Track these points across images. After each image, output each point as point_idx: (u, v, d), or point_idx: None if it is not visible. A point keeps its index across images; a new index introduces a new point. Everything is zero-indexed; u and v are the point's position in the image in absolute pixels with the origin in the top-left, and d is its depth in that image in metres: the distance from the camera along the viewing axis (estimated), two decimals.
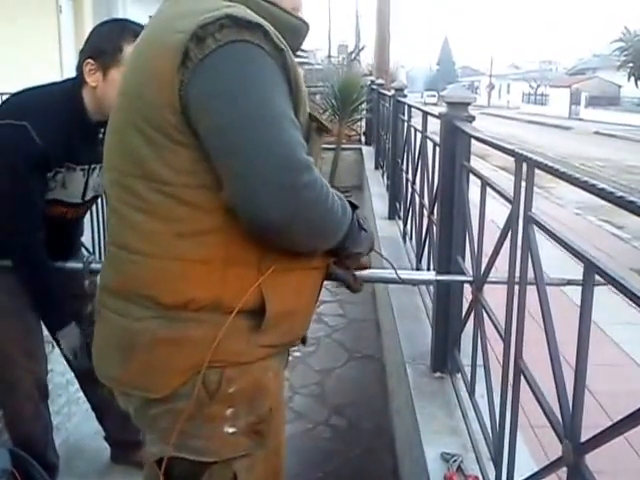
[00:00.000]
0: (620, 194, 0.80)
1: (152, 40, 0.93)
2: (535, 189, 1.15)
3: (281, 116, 0.85)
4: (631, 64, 25.89)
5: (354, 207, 1.00)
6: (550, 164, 1.04)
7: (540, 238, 1.11)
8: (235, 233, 0.88)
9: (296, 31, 0.99)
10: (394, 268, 1.27)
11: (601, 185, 0.85)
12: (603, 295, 0.92)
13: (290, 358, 3.53)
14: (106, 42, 1.55)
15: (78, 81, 1.59)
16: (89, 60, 1.56)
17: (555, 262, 1.37)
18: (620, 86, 33.24)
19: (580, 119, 31.32)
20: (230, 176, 0.84)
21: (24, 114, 1.51)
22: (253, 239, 0.89)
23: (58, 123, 1.53)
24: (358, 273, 1.19)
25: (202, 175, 0.87)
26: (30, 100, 1.58)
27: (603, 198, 0.85)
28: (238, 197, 0.84)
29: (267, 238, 0.89)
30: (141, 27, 1.64)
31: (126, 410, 1.01)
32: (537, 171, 1.12)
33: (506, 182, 1.34)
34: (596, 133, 22.03)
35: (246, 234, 0.88)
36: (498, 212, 1.55)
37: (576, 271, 1.12)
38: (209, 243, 0.88)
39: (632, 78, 26.14)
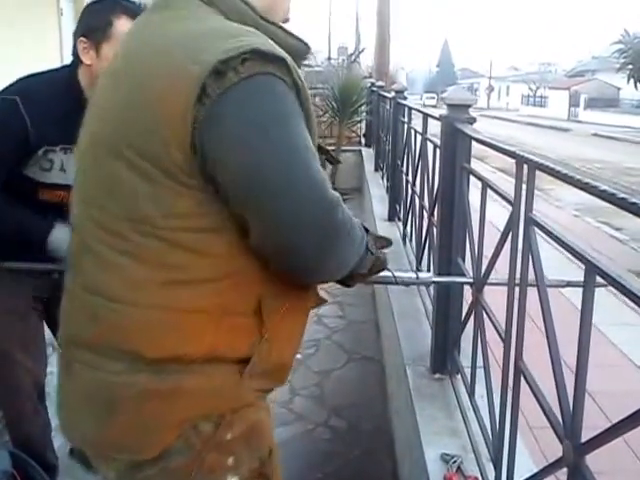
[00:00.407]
0: (622, 196, 0.80)
1: (154, 64, 0.82)
2: (534, 191, 1.16)
3: (309, 151, 0.80)
4: (630, 66, 25.97)
5: (366, 230, 0.97)
6: (551, 166, 1.04)
7: (539, 240, 1.12)
8: (233, 280, 0.82)
9: (298, 54, 0.92)
10: (390, 270, 1.26)
11: (603, 187, 0.85)
12: (601, 296, 0.92)
13: None
14: (96, 19, 1.57)
15: (74, 62, 1.61)
16: (82, 39, 1.58)
17: (553, 263, 1.37)
18: (619, 88, 33.36)
19: (579, 121, 31.45)
20: (262, 220, 0.78)
21: (19, 91, 1.54)
22: (251, 285, 0.83)
23: (53, 103, 1.54)
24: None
25: (207, 218, 0.79)
26: (29, 82, 1.61)
27: (605, 200, 0.85)
28: (272, 241, 0.78)
29: (294, 278, 0.85)
30: (132, 4, 1.65)
31: (105, 478, 0.91)
32: (537, 173, 1.12)
33: (505, 184, 1.34)
34: (595, 135, 22.09)
35: (244, 281, 0.82)
36: (497, 214, 1.55)
37: (574, 273, 1.12)
38: (205, 292, 0.80)
39: (631, 80, 26.22)
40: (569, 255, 0.97)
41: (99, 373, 0.82)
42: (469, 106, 1.85)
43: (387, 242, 1.06)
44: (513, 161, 1.21)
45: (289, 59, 0.82)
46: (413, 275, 1.46)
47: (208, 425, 0.83)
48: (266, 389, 0.92)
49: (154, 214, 0.78)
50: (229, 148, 0.77)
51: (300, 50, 0.94)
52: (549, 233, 1.05)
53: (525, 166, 1.15)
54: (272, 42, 0.83)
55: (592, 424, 0.88)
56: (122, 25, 1.56)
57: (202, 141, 0.77)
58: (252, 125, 0.77)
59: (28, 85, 1.59)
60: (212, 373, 0.82)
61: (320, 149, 0.91)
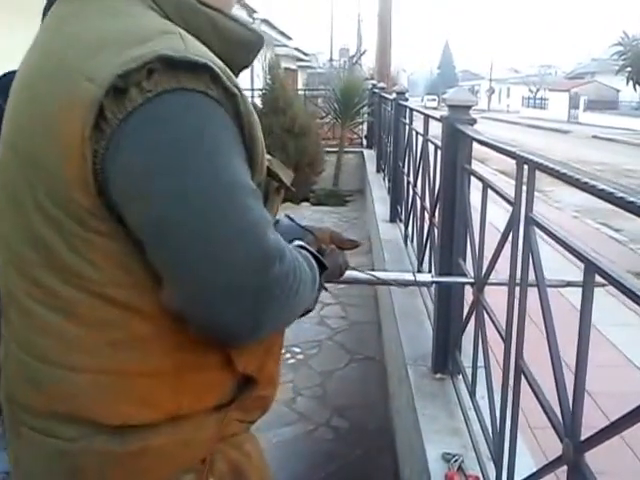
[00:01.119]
0: (620, 195, 0.80)
1: (49, 78, 0.66)
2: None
3: (241, 189, 0.64)
4: (629, 68, 26.03)
5: (322, 266, 0.81)
6: (551, 166, 1.05)
7: (539, 242, 1.13)
8: (183, 337, 0.68)
9: (249, 46, 0.77)
10: (372, 275, 1.24)
11: (601, 186, 0.86)
12: (600, 297, 0.93)
13: (293, 361, 3.55)
14: None
15: None
16: None
17: (553, 265, 1.38)
18: (618, 90, 33.45)
19: (579, 123, 31.56)
20: (174, 276, 0.64)
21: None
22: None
23: None
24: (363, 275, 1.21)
25: (136, 272, 0.66)
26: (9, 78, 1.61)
27: (603, 199, 0.85)
28: (186, 304, 0.64)
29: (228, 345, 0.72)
30: None
31: None
32: (537, 175, 1.13)
33: (505, 185, 1.35)
34: (594, 137, 22.15)
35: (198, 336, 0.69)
36: (497, 216, 1.56)
37: (574, 274, 1.13)
38: (151, 352, 0.68)
39: (630, 82, 26.29)
40: (569, 257, 0.98)
41: (51, 440, 0.70)
42: (470, 107, 1.86)
43: (354, 244, 0.96)
44: (513, 163, 1.22)
45: (214, 64, 0.64)
46: (418, 276, 1.48)
47: (189, 477, 0.73)
48: (253, 419, 0.82)
49: (78, 266, 0.65)
50: (131, 191, 0.62)
51: (249, 41, 0.76)
52: (549, 233, 1.06)
53: (525, 166, 1.16)
54: (195, 42, 0.66)
55: (592, 424, 0.88)
56: None
57: (106, 179, 0.62)
58: (162, 160, 0.61)
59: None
60: (181, 428, 0.71)
61: (270, 174, 0.77)
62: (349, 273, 1.41)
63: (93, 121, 0.61)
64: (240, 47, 0.75)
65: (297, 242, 0.83)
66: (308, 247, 0.81)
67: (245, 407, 0.77)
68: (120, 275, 0.66)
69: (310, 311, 0.84)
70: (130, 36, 0.64)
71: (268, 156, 0.78)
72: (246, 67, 0.78)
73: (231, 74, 0.67)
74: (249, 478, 0.79)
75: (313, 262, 0.78)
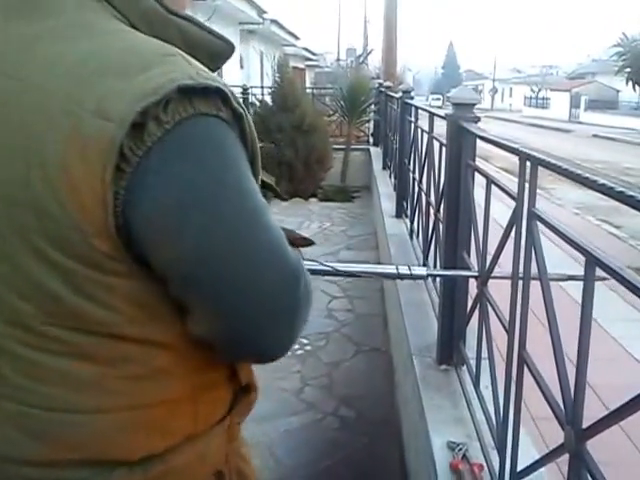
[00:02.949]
0: (620, 189, 0.82)
1: (31, 111, 0.58)
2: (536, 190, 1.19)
3: (263, 209, 0.63)
4: (629, 69, 25.98)
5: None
6: (553, 161, 1.08)
7: (541, 237, 1.15)
8: (202, 358, 0.68)
9: (217, 55, 0.73)
10: (365, 271, 1.25)
11: (601, 181, 0.88)
12: (601, 292, 0.95)
13: (301, 352, 3.60)
14: None
15: None
16: None
17: (555, 261, 1.41)
18: (618, 90, 33.35)
19: (580, 122, 31.59)
20: (211, 308, 0.63)
21: None
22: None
23: None
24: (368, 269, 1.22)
25: (153, 306, 0.64)
26: None
27: (604, 194, 0.87)
28: (225, 333, 0.64)
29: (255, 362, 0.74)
30: None
31: None
32: (538, 173, 1.15)
33: (509, 183, 1.38)
34: (595, 136, 22.12)
35: (212, 357, 0.69)
36: (500, 212, 1.59)
37: (575, 269, 1.16)
38: (170, 381, 0.67)
39: (630, 82, 26.24)
40: (570, 252, 1.00)
41: None
42: (474, 105, 1.88)
43: (306, 242, 0.94)
44: (516, 161, 1.24)
45: (224, 86, 0.62)
46: (422, 269, 1.52)
47: None
48: (240, 422, 0.81)
49: (88, 311, 0.61)
50: (163, 227, 0.59)
51: (222, 50, 0.74)
52: (551, 227, 1.08)
53: (528, 163, 1.18)
54: (193, 61, 0.63)
55: (593, 415, 0.90)
56: None
57: (127, 221, 0.58)
58: (189, 192, 0.58)
59: None
60: (196, 445, 0.70)
61: (264, 186, 0.75)
62: (352, 268, 1.45)
63: (115, 163, 0.56)
64: (209, 56, 0.71)
65: None
66: None
67: (241, 411, 0.78)
68: (138, 313, 0.63)
69: None
70: (130, 60, 0.59)
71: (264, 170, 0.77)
72: (215, 72, 0.73)
73: (234, 93, 0.64)
74: (248, 476, 0.81)
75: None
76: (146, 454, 0.66)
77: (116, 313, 0.62)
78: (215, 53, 0.73)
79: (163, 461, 0.67)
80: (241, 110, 0.64)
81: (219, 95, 0.61)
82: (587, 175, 0.93)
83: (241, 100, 0.65)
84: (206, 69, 0.63)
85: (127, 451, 0.65)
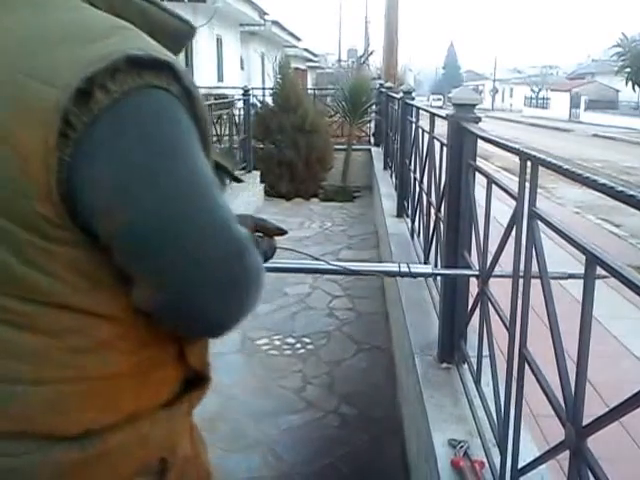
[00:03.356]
0: (620, 188, 0.83)
1: None
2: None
3: (211, 185, 0.64)
4: (628, 69, 26.12)
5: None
6: (553, 161, 1.09)
7: (541, 237, 1.16)
8: (148, 333, 0.68)
9: (178, 35, 0.75)
10: (371, 269, 1.28)
11: (602, 180, 0.89)
12: (601, 290, 0.95)
13: (303, 351, 3.61)
14: None
15: None
16: None
17: (555, 259, 1.41)
18: (618, 90, 33.46)
19: (580, 122, 31.75)
20: (157, 280, 0.63)
21: None
22: (169, 334, 0.70)
23: None
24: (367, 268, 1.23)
25: (98, 277, 0.63)
26: None
27: (604, 193, 0.88)
28: (168, 305, 0.64)
29: (203, 336, 0.73)
30: None
31: None
32: (539, 172, 1.16)
33: (509, 182, 1.39)
34: (595, 135, 22.22)
35: (158, 332, 0.68)
36: (501, 212, 1.60)
37: (575, 268, 1.17)
38: (116, 353, 0.66)
39: (630, 82, 26.38)
40: (570, 252, 1.01)
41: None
42: (474, 105, 1.89)
43: (280, 232, 0.95)
44: (515, 161, 1.25)
45: (175, 61, 0.63)
46: (425, 268, 1.53)
47: (149, 477, 0.71)
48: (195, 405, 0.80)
49: (32, 278, 0.61)
50: (109, 195, 0.59)
51: (182, 32, 0.75)
52: (551, 226, 1.09)
53: (529, 162, 1.19)
54: (146, 37, 0.64)
55: (593, 413, 0.91)
56: None
57: (73, 187, 0.59)
58: (135, 162, 0.59)
59: None
60: (138, 425, 0.69)
61: (218, 166, 0.75)
62: (357, 267, 1.46)
63: (58, 128, 0.56)
64: (170, 38, 0.71)
65: None
66: None
67: (192, 400, 0.77)
68: (82, 282, 0.62)
69: None
70: (82, 32, 0.60)
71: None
72: (177, 54, 0.73)
73: (188, 72, 0.65)
74: (197, 466, 0.80)
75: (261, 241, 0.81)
76: (85, 429, 0.65)
77: (60, 282, 0.62)
78: (176, 34, 0.73)
79: (102, 439, 0.66)
80: (192, 89, 0.64)
81: (170, 70, 0.62)
82: (588, 175, 0.94)
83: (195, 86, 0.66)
84: (159, 45, 0.63)
85: (67, 425, 0.64)
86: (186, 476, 0.77)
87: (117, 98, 0.58)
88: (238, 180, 0.87)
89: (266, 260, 0.91)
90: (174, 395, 0.74)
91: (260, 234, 0.92)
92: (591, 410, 0.95)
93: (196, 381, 0.77)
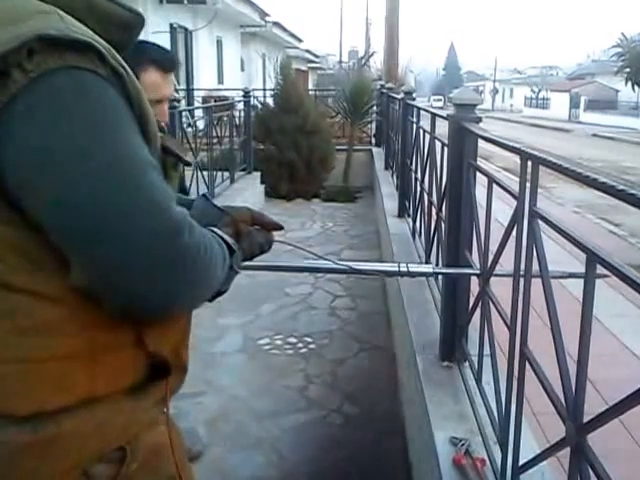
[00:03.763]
0: (621, 187, 0.83)
1: None
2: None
3: (142, 164, 0.63)
4: (628, 69, 26.17)
5: (230, 248, 0.81)
6: (554, 160, 1.09)
7: (542, 236, 1.17)
8: (97, 316, 0.66)
9: (127, 26, 0.74)
10: (375, 269, 1.28)
11: (602, 179, 0.89)
12: (601, 289, 0.96)
13: (305, 350, 3.63)
14: None
15: None
16: None
17: (555, 258, 1.42)
18: (618, 90, 33.49)
19: (580, 122, 31.80)
20: (83, 257, 0.62)
21: None
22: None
23: None
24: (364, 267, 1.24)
25: (36, 256, 0.63)
26: None
27: (605, 192, 0.88)
28: (100, 285, 0.63)
29: (144, 319, 0.71)
30: (163, 52, 1.50)
31: None
32: (540, 172, 1.17)
33: (509, 182, 1.40)
34: (595, 135, 22.24)
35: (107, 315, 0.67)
36: (501, 212, 1.61)
37: (576, 267, 1.18)
38: (63, 334, 0.65)
39: (629, 83, 26.41)
40: (570, 251, 1.01)
41: None
42: (475, 106, 1.90)
43: (277, 226, 0.96)
44: (516, 161, 1.26)
45: (98, 43, 0.63)
46: (427, 267, 1.55)
47: (103, 466, 0.70)
48: (169, 396, 0.79)
49: None
50: (32, 177, 0.60)
51: (126, 21, 0.73)
52: (552, 225, 1.10)
53: (529, 162, 1.20)
54: (74, 21, 0.64)
55: (593, 411, 0.92)
56: (149, 78, 1.48)
57: None
58: (60, 144, 0.59)
59: None
60: (95, 412, 0.68)
61: (166, 151, 0.76)
62: (362, 267, 1.47)
63: None
64: (117, 28, 0.72)
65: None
66: (216, 230, 0.80)
67: (164, 393, 0.76)
68: (20, 261, 0.63)
69: (223, 292, 0.83)
70: (6, 16, 0.61)
71: (160, 133, 0.77)
72: (125, 47, 0.73)
73: (116, 53, 0.65)
74: (169, 465, 0.78)
75: (221, 241, 0.78)
76: (36, 410, 0.64)
77: None
78: (124, 24, 0.73)
79: (55, 422, 0.65)
80: (121, 70, 0.65)
81: (93, 51, 0.62)
82: (588, 174, 0.95)
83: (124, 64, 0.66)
84: (82, 27, 0.64)
85: (15, 405, 0.64)
86: (154, 468, 0.76)
87: (34, 78, 0.59)
88: (187, 164, 0.87)
89: (262, 253, 0.92)
90: (138, 383, 0.72)
91: (257, 227, 0.92)
92: (591, 409, 0.95)
93: (166, 370, 0.75)
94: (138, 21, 0.75)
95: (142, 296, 0.64)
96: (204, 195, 0.97)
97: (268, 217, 0.94)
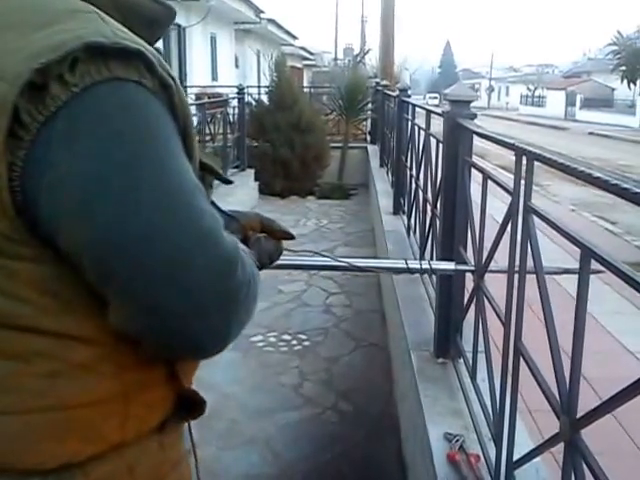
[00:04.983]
0: (615, 182, 0.84)
1: None
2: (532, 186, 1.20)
3: (193, 192, 0.56)
4: (624, 67, 26.31)
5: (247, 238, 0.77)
6: (548, 156, 1.10)
7: (536, 233, 1.17)
8: (132, 353, 0.60)
9: (154, 22, 0.66)
10: (373, 265, 1.31)
11: (597, 174, 0.89)
12: (595, 287, 0.96)
13: (299, 348, 3.62)
14: None
15: None
16: None
17: (550, 255, 1.42)
18: (614, 89, 33.67)
19: (575, 120, 31.90)
20: (132, 299, 0.54)
21: None
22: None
23: None
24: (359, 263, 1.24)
25: (67, 296, 0.56)
26: None
27: (599, 187, 0.88)
28: (150, 326, 0.56)
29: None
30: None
31: None
32: (535, 170, 1.17)
33: (505, 179, 1.40)
34: (590, 134, 22.35)
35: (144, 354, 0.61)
36: (496, 207, 1.61)
37: (571, 263, 1.18)
38: (97, 377, 0.59)
39: (625, 81, 26.55)
40: (565, 247, 1.01)
41: None
42: (470, 102, 1.91)
43: (287, 235, 0.90)
44: (511, 159, 1.26)
45: (147, 49, 0.55)
46: (420, 263, 1.54)
47: None
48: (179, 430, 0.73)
49: None
50: (69, 207, 0.52)
51: (160, 16, 0.66)
52: (547, 220, 1.10)
53: (524, 157, 1.20)
54: (111, 21, 0.56)
55: (587, 407, 0.92)
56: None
57: (27, 197, 0.52)
58: (105, 172, 0.51)
59: None
60: (125, 454, 0.63)
61: (204, 168, 0.68)
62: (360, 263, 1.47)
63: (7, 128, 0.49)
64: (145, 23, 0.63)
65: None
66: (246, 249, 0.73)
67: (181, 424, 0.71)
68: (50, 302, 0.56)
69: None
70: (33, 16, 0.53)
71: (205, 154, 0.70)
72: (156, 42, 0.67)
73: (162, 59, 0.57)
74: None
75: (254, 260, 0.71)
76: (64, 463, 0.58)
77: (24, 303, 0.55)
78: (152, 19, 0.65)
79: (84, 472, 0.59)
80: (169, 80, 0.56)
81: (141, 60, 0.54)
82: (582, 168, 0.95)
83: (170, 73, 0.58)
84: (126, 31, 0.56)
85: (40, 458, 0.57)
86: None
87: (77, 93, 0.50)
88: (228, 182, 0.80)
89: (271, 263, 0.86)
90: (166, 419, 0.67)
91: (265, 235, 0.86)
92: (585, 405, 0.96)
93: (189, 403, 0.69)
94: (169, 16, 0.67)
95: (196, 337, 0.57)
96: (211, 200, 0.93)
97: (278, 224, 0.88)
